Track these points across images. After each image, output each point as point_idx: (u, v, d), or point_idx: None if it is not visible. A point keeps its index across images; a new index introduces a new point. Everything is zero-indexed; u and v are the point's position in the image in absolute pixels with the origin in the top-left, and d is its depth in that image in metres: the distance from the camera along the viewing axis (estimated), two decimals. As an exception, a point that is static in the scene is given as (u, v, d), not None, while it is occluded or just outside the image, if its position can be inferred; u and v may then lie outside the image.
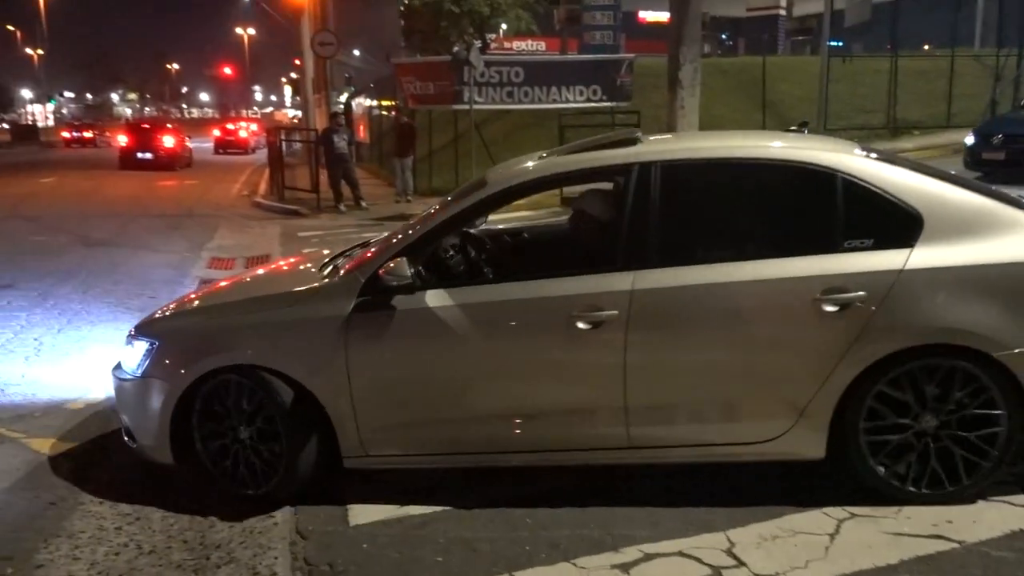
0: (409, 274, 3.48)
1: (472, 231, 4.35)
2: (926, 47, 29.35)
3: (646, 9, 39.54)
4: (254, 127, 49.00)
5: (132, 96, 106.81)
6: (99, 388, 5.20)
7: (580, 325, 3.40)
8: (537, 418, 3.55)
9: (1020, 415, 3.28)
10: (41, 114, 73.86)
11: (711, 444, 3.50)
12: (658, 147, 3.83)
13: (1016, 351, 3.22)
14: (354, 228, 12.87)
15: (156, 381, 3.78)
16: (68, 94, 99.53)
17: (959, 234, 3.33)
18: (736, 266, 3.40)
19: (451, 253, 3.89)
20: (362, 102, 28.04)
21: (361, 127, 25.15)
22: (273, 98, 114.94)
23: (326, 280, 3.85)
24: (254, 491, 3.72)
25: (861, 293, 3.27)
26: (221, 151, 42.35)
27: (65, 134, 54.01)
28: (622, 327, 3.39)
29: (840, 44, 27.78)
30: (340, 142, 15.60)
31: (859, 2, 23.16)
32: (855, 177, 3.43)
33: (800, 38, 40.55)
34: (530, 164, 3.98)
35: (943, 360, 3.29)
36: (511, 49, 36.88)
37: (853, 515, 3.35)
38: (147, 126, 32.46)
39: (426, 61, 19.75)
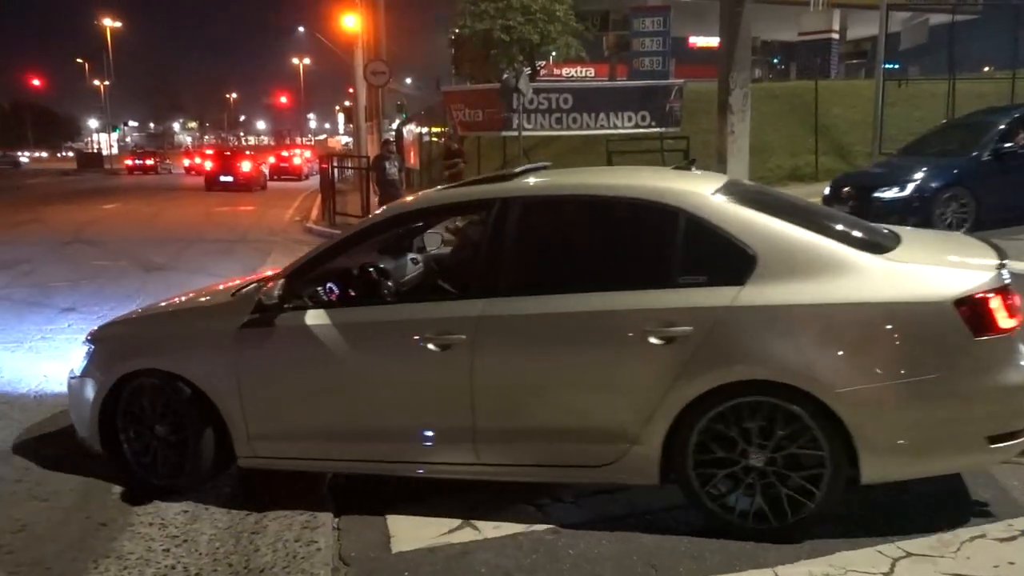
0: (276, 296, 3.82)
1: (387, 256, 4.68)
2: (986, 69, 28.64)
3: (696, 34, 39.36)
4: (307, 154, 50.17)
5: (192, 125, 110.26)
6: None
7: (430, 347, 3.61)
8: (395, 433, 3.80)
9: (842, 452, 3.23)
10: (106, 142, 76.50)
11: (553, 465, 3.64)
12: (523, 183, 3.97)
13: (838, 391, 3.18)
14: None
15: (89, 380, 4.28)
16: (132, 123, 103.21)
17: (789, 274, 3.32)
18: (575, 297, 3.53)
19: (356, 274, 4.21)
20: (413, 129, 28.43)
21: (411, 153, 25.48)
22: (327, 125, 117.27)
23: (232, 298, 4.23)
24: (160, 481, 4.14)
25: (688, 328, 3.31)
26: (276, 177, 43.33)
27: (128, 161, 56.23)
28: (468, 351, 3.56)
29: (896, 67, 27.31)
30: (391, 168, 15.80)
31: (916, 24, 22.80)
32: (697, 214, 3.50)
33: (854, 61, 40.03)
34: (419, 196, 4.37)
35: (765, 397, 3.28)
36: (560, 76, 37.04)
37: (908, 554, 3.23)
38: (228, 153, 35.97)
39: (475, 88, 20.00)
